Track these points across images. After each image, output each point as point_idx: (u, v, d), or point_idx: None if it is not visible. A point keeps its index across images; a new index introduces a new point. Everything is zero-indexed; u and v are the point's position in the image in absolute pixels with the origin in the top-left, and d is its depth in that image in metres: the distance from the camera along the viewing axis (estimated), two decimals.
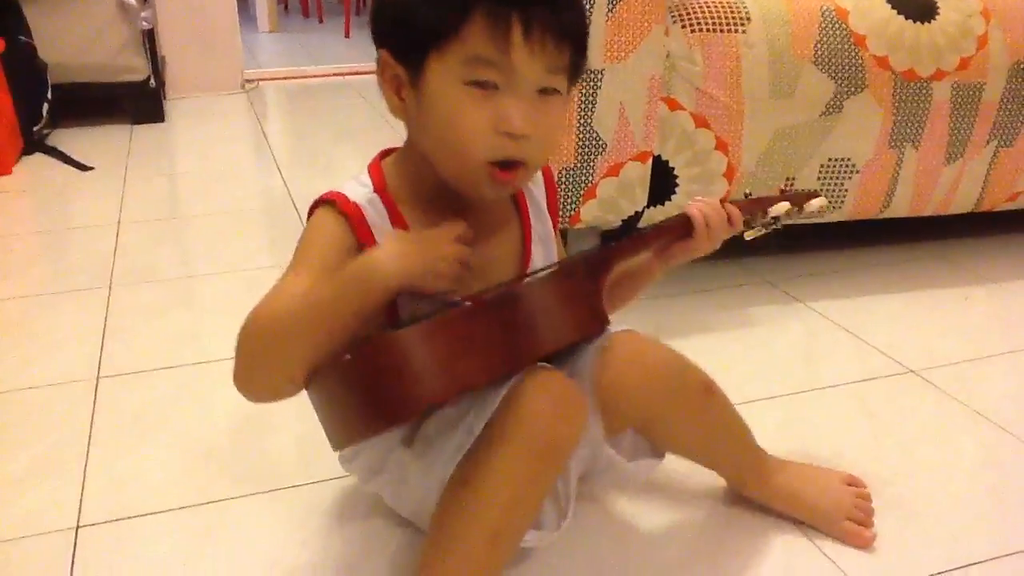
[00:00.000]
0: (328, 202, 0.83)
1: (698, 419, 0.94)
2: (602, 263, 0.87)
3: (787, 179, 1.47)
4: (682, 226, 0.94)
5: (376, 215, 0.83)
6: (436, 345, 0.71)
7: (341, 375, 0.73)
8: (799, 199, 1.02)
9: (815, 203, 1.02)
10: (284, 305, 0.76)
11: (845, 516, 0.95)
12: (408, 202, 0.85)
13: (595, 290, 0.83)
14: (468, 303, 0.75)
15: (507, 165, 0.78)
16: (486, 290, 0.82)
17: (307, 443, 1.09)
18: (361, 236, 0.82)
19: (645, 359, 0.90)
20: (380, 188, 0.85)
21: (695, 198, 0.97)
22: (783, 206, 0.99)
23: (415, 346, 0.70)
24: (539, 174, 0.94)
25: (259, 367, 0.78)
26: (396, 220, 0.84)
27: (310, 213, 0.85)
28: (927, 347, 1.35)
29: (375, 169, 0.88)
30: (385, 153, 0.90)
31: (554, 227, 0.95)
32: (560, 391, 0.79)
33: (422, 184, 0.84)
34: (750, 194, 1.01)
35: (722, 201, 0.96)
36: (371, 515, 0.98)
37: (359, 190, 0.85)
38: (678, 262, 0.96)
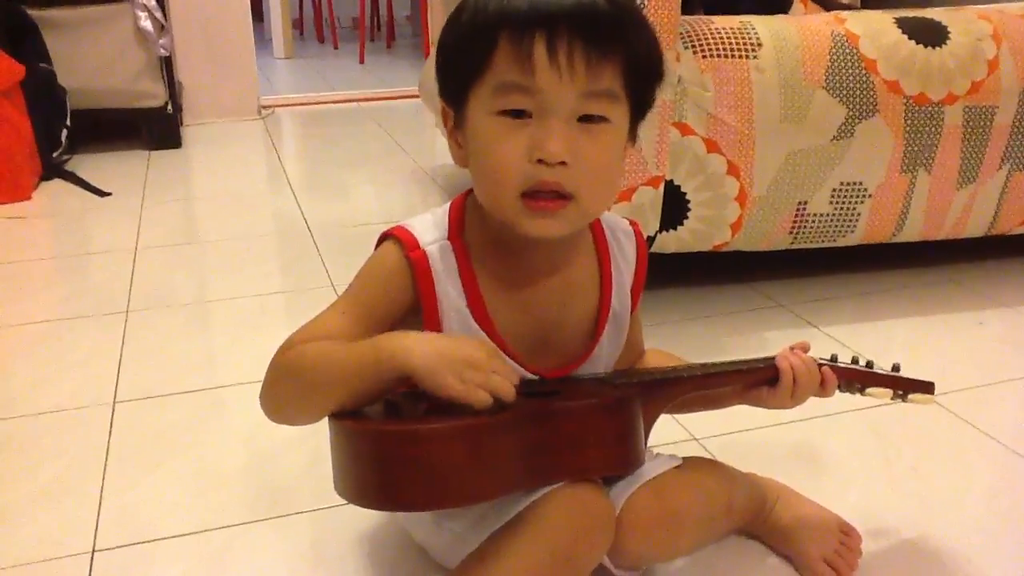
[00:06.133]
0: (396, 240, 0.81)
1: (715, 535, 0.94)
2: (663, 393, 0.85)
3: (799, 203, 1.48)
4: (767, 374, 0.88)
5: (443, 267, 0.80)
6: (455, 451, 0.70)
7: (357, 444, 0.73)
8: (905, 386, 0.91)
9: (920, 398, 0.91)
10: (317, 355, 0.76)
11: (822, 557, 0.92)
12: (481, 252, 0.82)
13: (640, 424, 0.80)
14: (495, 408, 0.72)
15: (544, 193, 0.74)
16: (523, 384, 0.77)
17: (320, 469, 1.09)
18: (422, 287, 0.80)
19: (672, 522, 0.84)
20: (455, 234, 0.81)
21: (793, 347, 0.90)
22: (884, 392, 0.90)
23: (435, 447, 0.70)
24: (633, 254, 0.90)
25: (283, 402, 0.80)
26: (465, 273, 0.81)
27: (378, 243, 0.83)
28: (941, 372, 1.33)
29: (456, 209, 0.83)
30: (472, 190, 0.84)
31: (633, 308, 0.90)
32: (591, 508, 0.77)
33: (489, 232, 0.81)
34: (856, 359, 0.91)
35: (821, 363, 0.89)
36: (384, 541, 0.98)
37: (432, 232, 0.81)
38: (751, 404, 0.91)
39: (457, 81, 0.77)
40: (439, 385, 0.71)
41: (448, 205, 0.84)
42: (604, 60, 0.73)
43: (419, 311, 0.81)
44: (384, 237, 0.83)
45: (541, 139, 0.73)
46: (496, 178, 0.75)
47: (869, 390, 0.90)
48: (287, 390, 0.79)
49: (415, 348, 0.73)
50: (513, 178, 0.74)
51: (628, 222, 0.91)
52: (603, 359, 0.89)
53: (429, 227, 0.82)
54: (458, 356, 0.72)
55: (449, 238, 0.82)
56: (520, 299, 0.83)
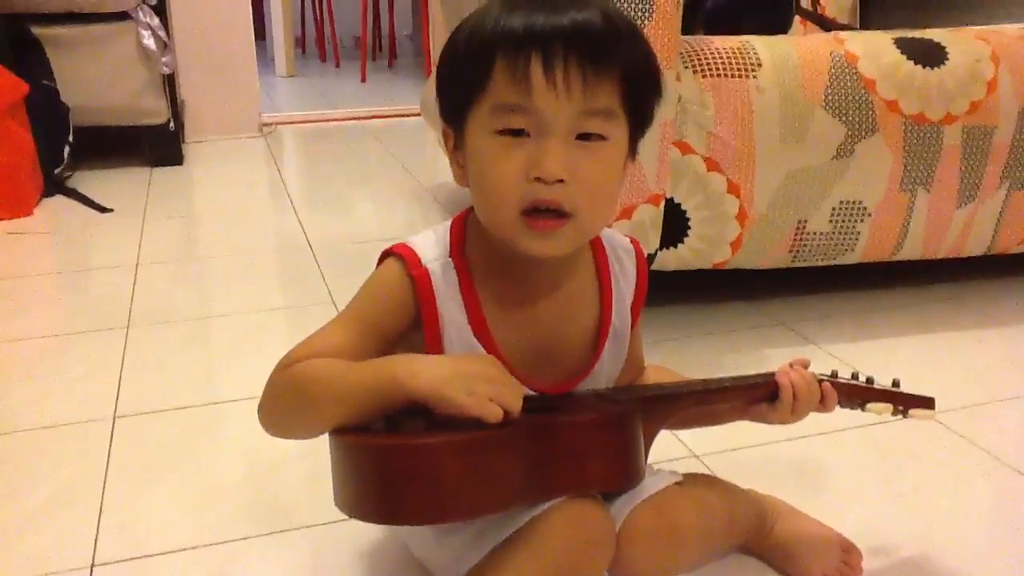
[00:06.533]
0: (398, 257, 0.82)
1: (716, 551, 0.94)
2: (663, 409, 0.85)
3: (799, 221, 1.48)
4: (767, 390, 0.88)
5: (444, 284, 0.81)
6: (455, 465, 0.70)
7: (359, 458, 0.73)
8: (906, 402, 0.91)
9: (921, 414, 0.91)
10: (316, 373, 0.76)
11: (823, 575, 0.92)
12: (482, 269, 0.82)
13: (641, 440, 0.80)
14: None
15: (543, 213, 0.75)
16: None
17: (320, 484, 1.09)
18: (424, 304, 0.80)
19: (672, 538, 0.85)
20: (456, 251, 0.82)
21: (793, 363, 0.90)
22: (885, 408, 0.90)
23: (436, 460, 0.70)
24: (633, 271, 0.90)
25: (281, 418, 0.80)
26: (466, 290, 0.81)
27: (380, 260, 0.84)
28: (941, 390, 1.33)
29: (457, 227, 0.84)
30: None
31: (633, 325, 0.90)
32: (592, 524, 0.77)
33: (490, 250, 0.81)
34: (856, 375, 0.91)
35: (821, 378, 0.89)
36: (384, 556, 0.98)
37: (433, 250, 0.82)
38: (752, 421, 0.91)
39: (456, 102, 0.78)
40: (448, 399, 0.71)
41: (449, 223, 0.85)
42: (601, 78, 0.73)
43: (420, 327, 0.81)
44: (386, 254, 0.84)
45: (539, 158, 0.73)
46: (495, 197, 0.76)
47: (869, 406, 0.90)
48: (286, 406, 0.79)
49: (422, 371, 0.73)
50: (512, 196, 0.75)
51: (628, 239, 0.91)
52: (603, 376, 0.89)
53: (431, 244, 0.83)
54: (468, 371, 0.73)
55: (451, 255, 0.82)
56: (520, 316, 0.83)
